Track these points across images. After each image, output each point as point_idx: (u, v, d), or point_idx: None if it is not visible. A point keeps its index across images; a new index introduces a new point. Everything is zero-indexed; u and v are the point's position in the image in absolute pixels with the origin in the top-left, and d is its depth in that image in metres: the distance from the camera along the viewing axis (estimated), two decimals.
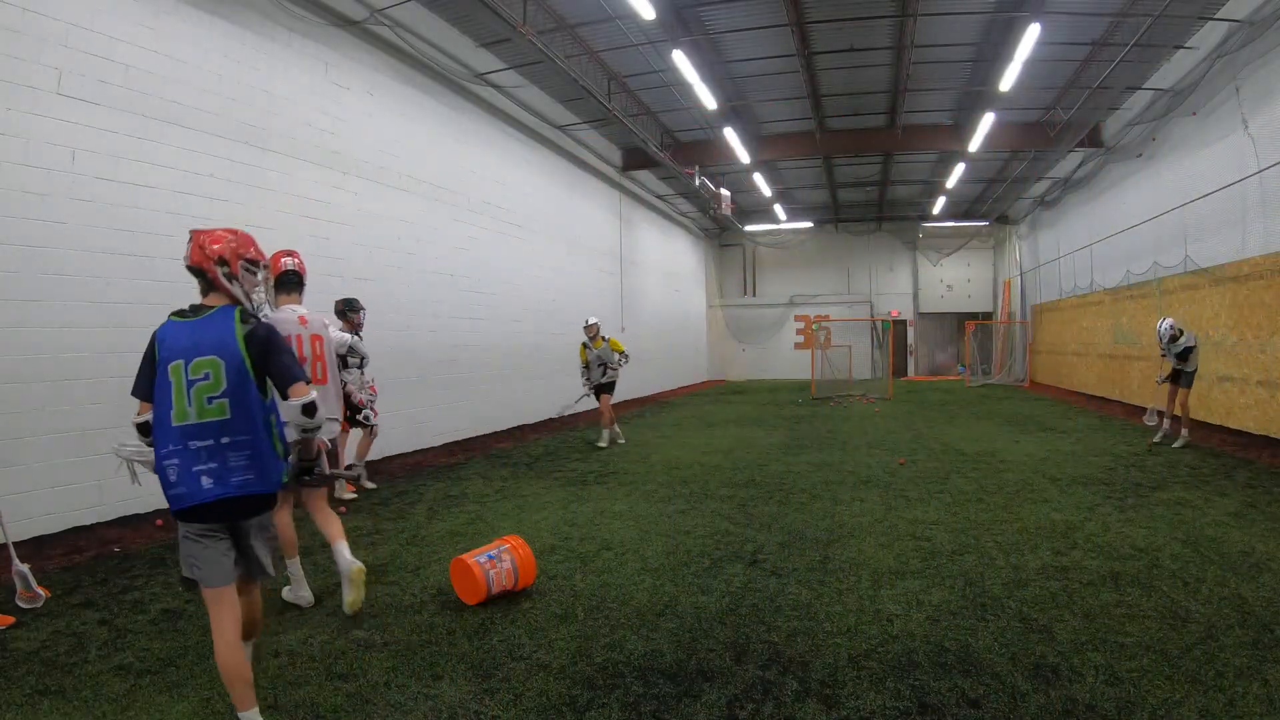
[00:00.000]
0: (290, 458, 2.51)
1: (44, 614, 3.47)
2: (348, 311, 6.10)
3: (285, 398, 2.37)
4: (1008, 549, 4.35)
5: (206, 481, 2.20)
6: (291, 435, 2.49)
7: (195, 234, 2.38)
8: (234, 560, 2.34)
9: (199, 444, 2.21)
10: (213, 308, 2.33)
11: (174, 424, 2.21)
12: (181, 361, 2.22)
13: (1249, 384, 8.87)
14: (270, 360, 2.32)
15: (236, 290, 2.37)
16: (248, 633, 2.49)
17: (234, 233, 2.41)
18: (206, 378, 2.22)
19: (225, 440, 2.23)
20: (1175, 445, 8.06)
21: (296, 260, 3.90)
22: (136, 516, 5.44)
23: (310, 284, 7.03)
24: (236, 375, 2.24)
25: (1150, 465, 7.10)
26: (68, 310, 5.11)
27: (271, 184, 6.87)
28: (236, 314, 2.31)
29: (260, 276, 2.46)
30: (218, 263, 2.33)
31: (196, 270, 2.35)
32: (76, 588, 3.87)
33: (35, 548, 4.63)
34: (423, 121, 9.20)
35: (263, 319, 2.47)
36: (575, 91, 10.65)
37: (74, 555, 4.49)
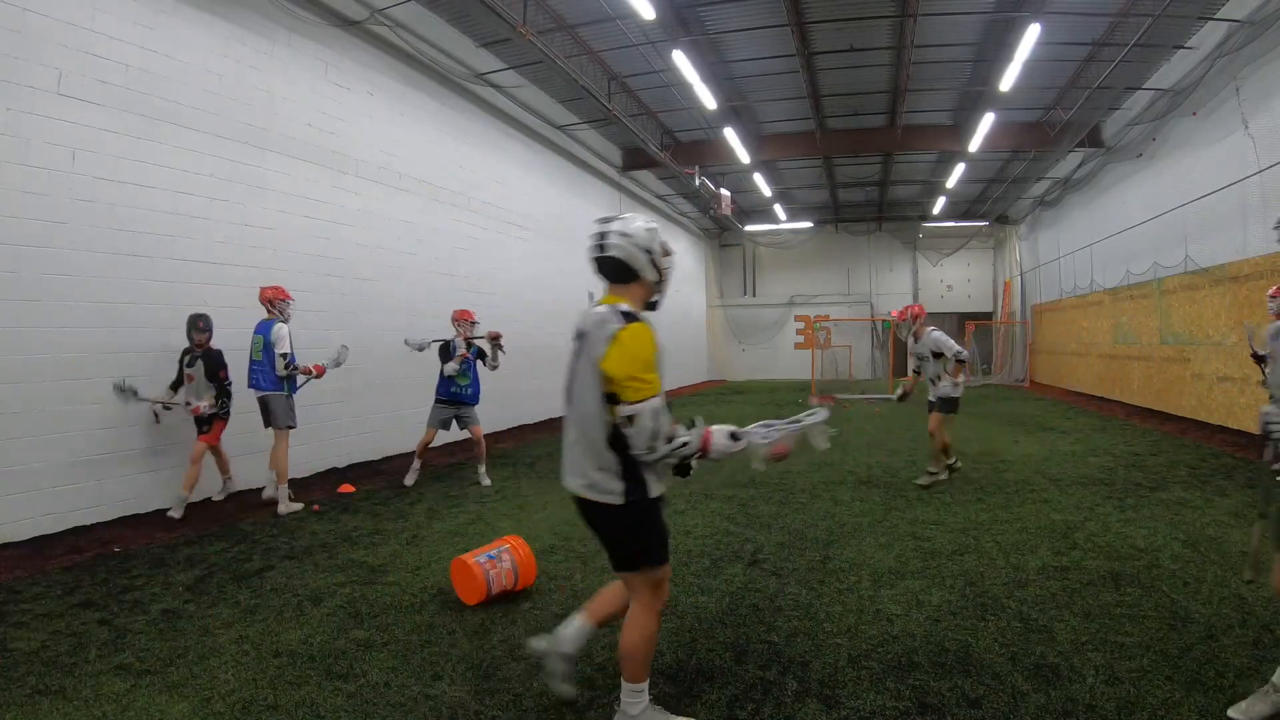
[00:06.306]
0: None
1: (44, 614, 3.47)
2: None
3: None
4: (1008, 549, 4.35)
5: None
6: None
7: None
8: None
9: None
10: None
11: None
12: None
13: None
14: None
15: None
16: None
17: None
18: None
19: None
20: None
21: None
22: (136, 516, 5.38)
23: (310, 284, 7.22)
24: None
25: (1150, 465, 7.10)
26: (68, 310, 5.11)
27: (271, 184, 6.86)
28: None
29: None
30: None
31: None
32: (76, 588, 3.86)
33: (35, 548, 4.63)
34: (423, 121, 9.19)
35: None
36: (575, 91, 10.63)
37: (74, 555, 4.49)
